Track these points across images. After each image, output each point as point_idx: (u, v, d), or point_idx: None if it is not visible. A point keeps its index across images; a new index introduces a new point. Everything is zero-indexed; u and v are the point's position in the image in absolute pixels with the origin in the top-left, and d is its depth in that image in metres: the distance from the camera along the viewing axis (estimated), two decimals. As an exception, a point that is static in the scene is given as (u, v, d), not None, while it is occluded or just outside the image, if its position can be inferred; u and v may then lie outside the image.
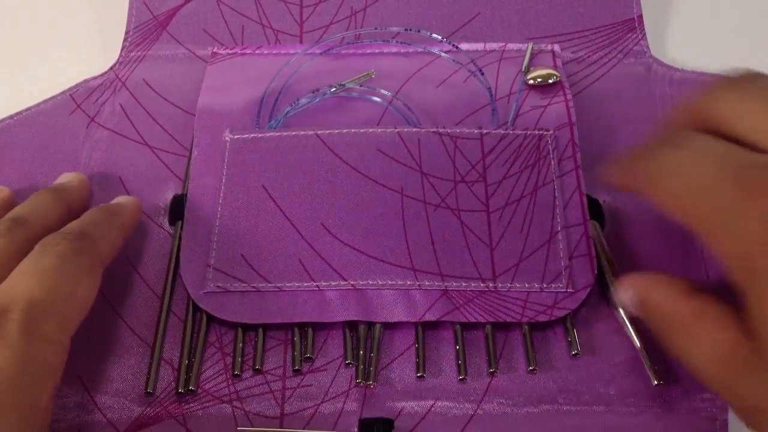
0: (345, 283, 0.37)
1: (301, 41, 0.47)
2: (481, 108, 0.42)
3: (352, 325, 0.37)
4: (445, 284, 0.37)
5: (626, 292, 0.33)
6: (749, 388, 0.27)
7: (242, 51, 0.47)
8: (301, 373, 0.36)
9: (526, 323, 0.36)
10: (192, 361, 0.36)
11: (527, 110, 0.42)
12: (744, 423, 0.28)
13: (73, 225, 0.35)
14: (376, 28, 0.47)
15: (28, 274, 0.31)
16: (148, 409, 0.35)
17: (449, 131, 0.41)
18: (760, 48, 0.47)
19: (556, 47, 0.46)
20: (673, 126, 0.33)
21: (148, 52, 0.47)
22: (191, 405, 0.35)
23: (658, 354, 0.35)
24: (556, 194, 0.39)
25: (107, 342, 0.37)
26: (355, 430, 0.34)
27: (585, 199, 0.39)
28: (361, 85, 0.43)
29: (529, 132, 0.41)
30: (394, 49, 0.46)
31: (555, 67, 0.44)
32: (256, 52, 0.47)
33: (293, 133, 0.41)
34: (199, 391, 0.35)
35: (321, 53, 0.46)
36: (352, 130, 0.41)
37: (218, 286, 0.37)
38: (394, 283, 0.37)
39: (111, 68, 0.47)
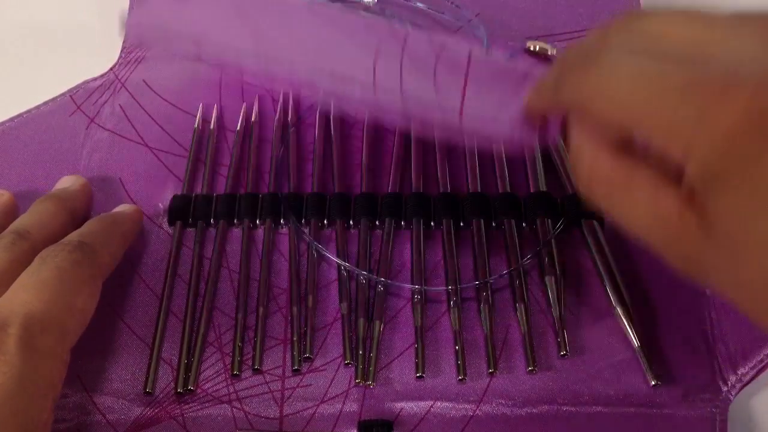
0: None
1: None
2: None
3: (352, 325, 0.37)
4: None
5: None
6: (691, 258, 0.25)
7: None
8: (300, 373, 0.36)
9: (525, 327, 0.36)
10: (191, 361, 0.36)
11: None
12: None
13: (72, 236, 0.34)
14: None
15: (27, 287, 0.31)
16: (147, 409, 0.35)
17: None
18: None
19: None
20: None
21: (147, 53, 0.47)
22: (190, 405, 0.35)
23: (656, 354, 0.36)
24: None
25: (106, 342, 0.37)
26: None
27: None
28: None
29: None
30: None
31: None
32: None
33: None
34: (199, 391, 0.35)
35: None
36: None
37: None
38: None
39: (111, 69, 0.47)
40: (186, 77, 0.46)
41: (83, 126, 0.44)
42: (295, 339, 0.36)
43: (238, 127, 0.44)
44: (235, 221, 0.41)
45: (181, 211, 0.40)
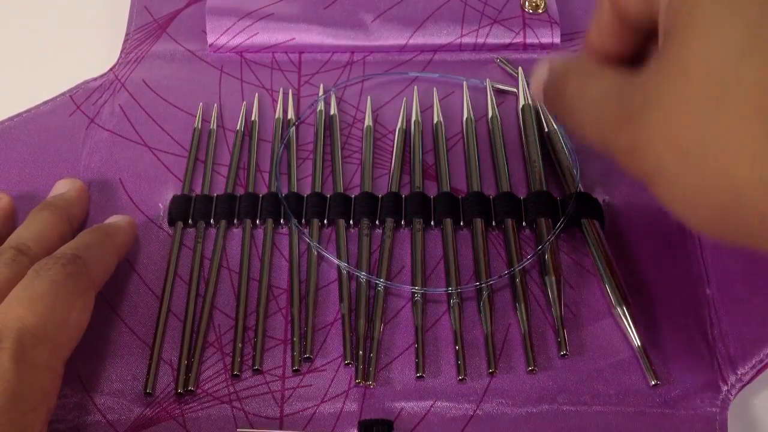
0: None
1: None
2: None
3: (352, 325, 0.37)
4: None
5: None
6: (625, 131, 0.27)
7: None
8: (300, 373, 0.36)
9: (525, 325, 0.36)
10: (191, 361, 0.36)
11: None
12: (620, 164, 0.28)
13: (66, 248, 0.34)
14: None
15: (21, 301, 0.31)
16: (148, 409, 0.35)
17: None
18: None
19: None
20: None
21: (147, 53, 0.48)
22: (191, 405, 0.35)
23: (656, 354, 0.36)
24: None
25: (106, 342, 0.37)
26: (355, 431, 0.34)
27: None
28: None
29: None
30: None
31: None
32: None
33: None
34: (199, 391, 0.35)
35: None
36: None
37: None
38: None
39: (110, 69, 0.47)
40: (186, 77, 0.46)
41: (83, 126, 0.44)
42: (295, 339, 0.36)
43: (238, 127, 0.44)
44: (235, 221, 0.41)
45: (181, 211, 0.40)
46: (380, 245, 0.39)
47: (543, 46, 0.47)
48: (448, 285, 0.38)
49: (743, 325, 0.36)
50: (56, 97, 0.45)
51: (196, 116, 0.44)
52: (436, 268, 0.39)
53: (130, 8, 0.50)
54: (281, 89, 0.46)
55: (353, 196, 0.41)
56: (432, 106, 0.45)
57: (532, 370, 0.35)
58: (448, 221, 0.40)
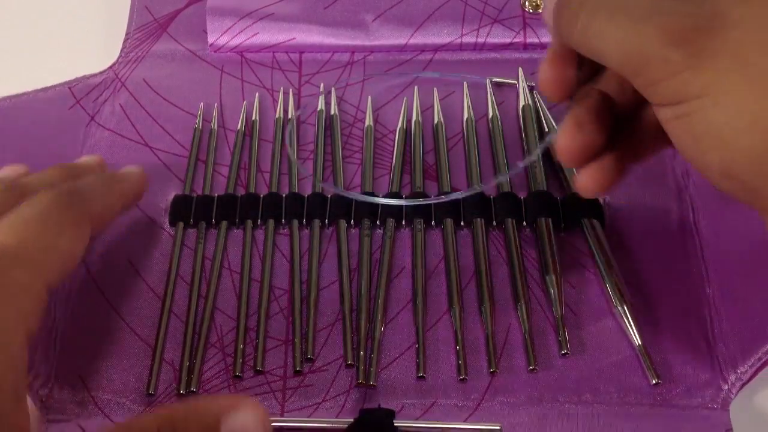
0: None
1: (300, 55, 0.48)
2: None
3: (353, 325, 0.37)
4: None
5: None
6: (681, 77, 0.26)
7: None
8: (301, 373, 0.36)
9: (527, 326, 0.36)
10: (193, 362, 0.36)
11: None
12: (665, 124, 0.27)
13: (64, 183, 0.34)
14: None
15: (4, 226, 0.31)
16: (149, 409, 0.35)
17: None
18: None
19: None
20: None
21: (147, 53, 0.48)
22: (192, 405, 0.35)
23: (656, 353, 0.36)
24: None
25: (108, 343, 0.37)
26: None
27: None
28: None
29: None
30: None
31: None
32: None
33: None
34: (200, 392, 0.35)
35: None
36: None
37: None
38: None
39: (110, 67, 0.47)
40: (186, 77, 0.46)
41: (83, 123, 0.44)
42: (296, 340, 0.36)
43: (239, 127, 0.44)
44: (236, 221, 0.41)
45: (182, 211, 0.41)
46: (381, 245, 0.39)
47: (543, 46, 0.47)
48: (448, 285, 0.38)
49: (743, 325, 0.36)
50: (55, 86, 0.45)
51: (196, 116, 0.44)
52: (437, 268, 0.39)
53: (131, 8, 0.50)
54: (282, 89, 0.46)
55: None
56: (432, 106, 0.45)
57: (533, 370, 0.36)
58: (449, 221, 0.40)
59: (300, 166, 0.42)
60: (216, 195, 0.41)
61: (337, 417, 0.35)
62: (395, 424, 0.34)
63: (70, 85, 0.46)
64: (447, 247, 0.39)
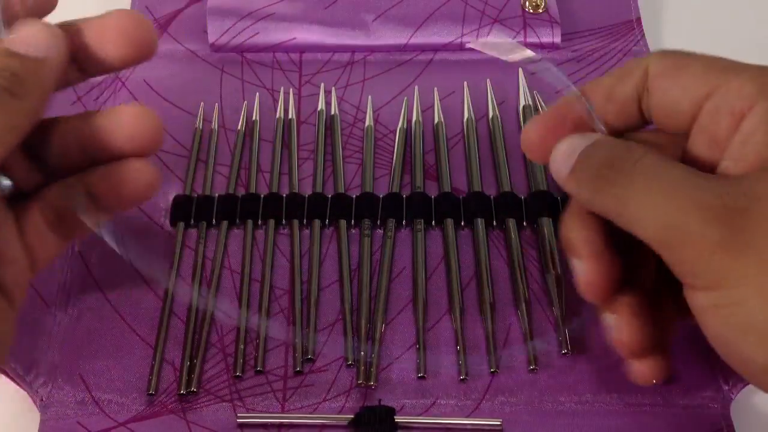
0: None
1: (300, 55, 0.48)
2: None
3: (353, 325, 0.37)
4: None
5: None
6: (724, 270, 0.24)
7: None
8: (302, 373, 0.36)
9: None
10: (194, 362, 0.36)
11: None
12: (698, 315, 0.26)
13: None
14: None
15: None
16: (150, 408, 0.35)
17: None
18: (758, 47, 0.47)
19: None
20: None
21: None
22: (192, 404, 0.35)
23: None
24: None
25: (109, 342, 0.37)
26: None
27: None
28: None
29: None
30: None
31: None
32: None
33: None
34: (201, 392, 0.35)
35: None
36: None
37: None
38: None
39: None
40: (187, 77, 0.46)
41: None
42: (296, 340, 0.36)
43: (240, 127, 0.44)
44: (237, 221, 0.41)
45: (183, 211, 0.41)
46: (381, 246, 0.39)
47: (543, 46, 0.47)
48: (448, 285, 0.38)
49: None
50: None
51: (197, 116, 0.44)
52: (437, 268, 0.39)
53: (131, 7, 0.50)
54: (282, 89, 0.46)
55: (354, 196, 0.41)
56: (432, 106, 0.45)
57: (533, 370, 0.36)
58: (449, 221, 0.40)
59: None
60: (216, 195, 0.41)
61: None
62: (396, 420, 0.34)
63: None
64: (447, 247, 0.39)
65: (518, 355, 0.36)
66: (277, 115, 0.45)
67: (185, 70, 0.47)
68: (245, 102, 0.45)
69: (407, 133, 0.44)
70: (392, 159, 0.43)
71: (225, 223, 0.40)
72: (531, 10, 0.48)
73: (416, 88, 0.46)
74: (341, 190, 0.42)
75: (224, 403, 0.35)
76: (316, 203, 0.41)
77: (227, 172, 0.43)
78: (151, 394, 0.35)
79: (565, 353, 0.36)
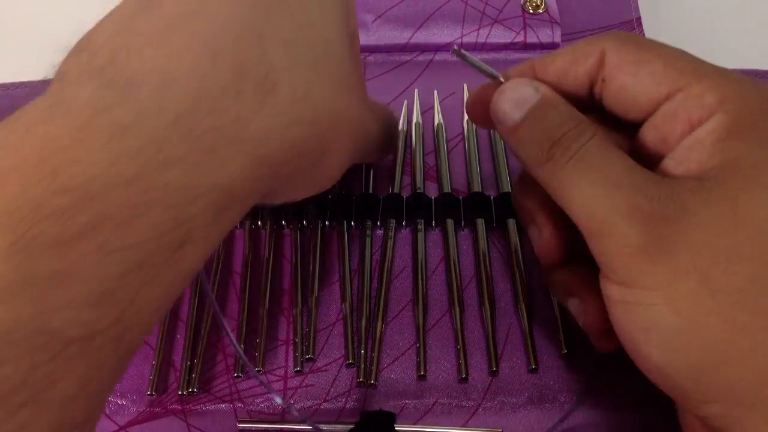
0: None
1: None
2: None
3: (354, 325, 0.37)
4: None
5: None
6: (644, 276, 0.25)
7: None
8: (302, 373, 0.36)
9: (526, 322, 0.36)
10: (194, 363, 0.36)
11: None
12: (613, 314, 0.27)
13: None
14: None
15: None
16: (150, 408, 0.35)
17: None
18: (758, 47, 0.47)
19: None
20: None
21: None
22: (192, 404, 0.35)
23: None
24: None
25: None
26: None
27: None
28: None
29: None
30: None
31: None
32: None
33: None
34: (201, 392, 0.35)
35: None
36: None
37: None
38: None
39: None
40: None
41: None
42: (297, 340, 0.36)
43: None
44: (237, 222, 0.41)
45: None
46: (381, 246, 0.40)
47: (543, 46, 0.47)
48: (449, 285, 0.38)
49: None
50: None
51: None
52: (437, 268, 0.39)
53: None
54: None
55: (354, 197, 0.41)
56: (432, 108, 0.45)
57: (533, 370, 0.36)
58: (450, 222, 0.40)
59: None
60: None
61: (338, 416, 0.35)
62: (395, 428, 0.34)
63: None
64: (447, 247, 0.39)
65: (518, 356, 0.36)
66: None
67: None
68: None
69: (407, 134, 0.44)
70: (392, 160, 0.43)
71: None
72: (531, 10, 0.48)
73: (416, 89, 0.46)
74: (342, 191, 0.42)
75: (224, 404, 0.35)
76: (318, 204, 0.41)
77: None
78: (151, 395, 0.35)
79: (564, 353, 0.36)
